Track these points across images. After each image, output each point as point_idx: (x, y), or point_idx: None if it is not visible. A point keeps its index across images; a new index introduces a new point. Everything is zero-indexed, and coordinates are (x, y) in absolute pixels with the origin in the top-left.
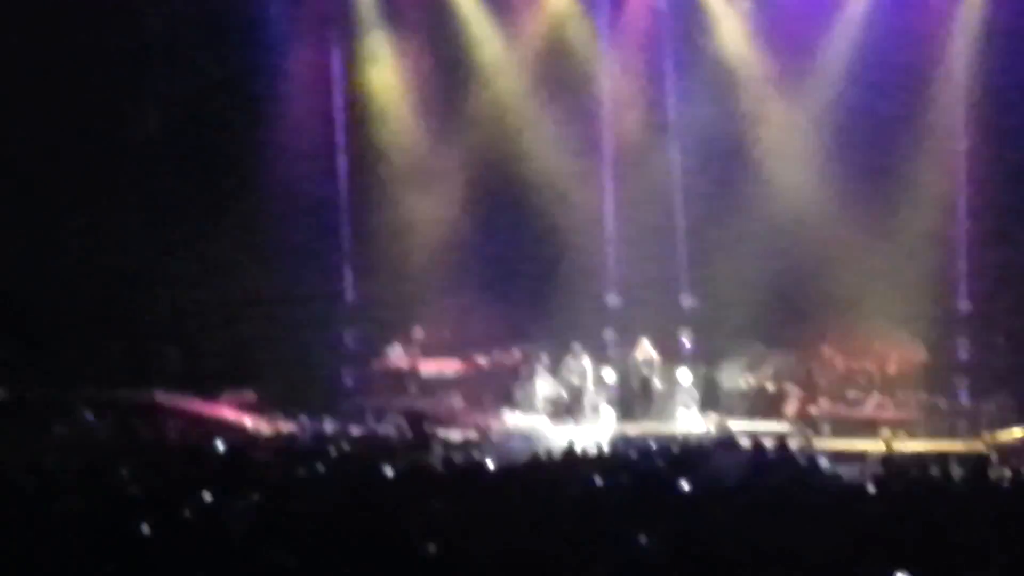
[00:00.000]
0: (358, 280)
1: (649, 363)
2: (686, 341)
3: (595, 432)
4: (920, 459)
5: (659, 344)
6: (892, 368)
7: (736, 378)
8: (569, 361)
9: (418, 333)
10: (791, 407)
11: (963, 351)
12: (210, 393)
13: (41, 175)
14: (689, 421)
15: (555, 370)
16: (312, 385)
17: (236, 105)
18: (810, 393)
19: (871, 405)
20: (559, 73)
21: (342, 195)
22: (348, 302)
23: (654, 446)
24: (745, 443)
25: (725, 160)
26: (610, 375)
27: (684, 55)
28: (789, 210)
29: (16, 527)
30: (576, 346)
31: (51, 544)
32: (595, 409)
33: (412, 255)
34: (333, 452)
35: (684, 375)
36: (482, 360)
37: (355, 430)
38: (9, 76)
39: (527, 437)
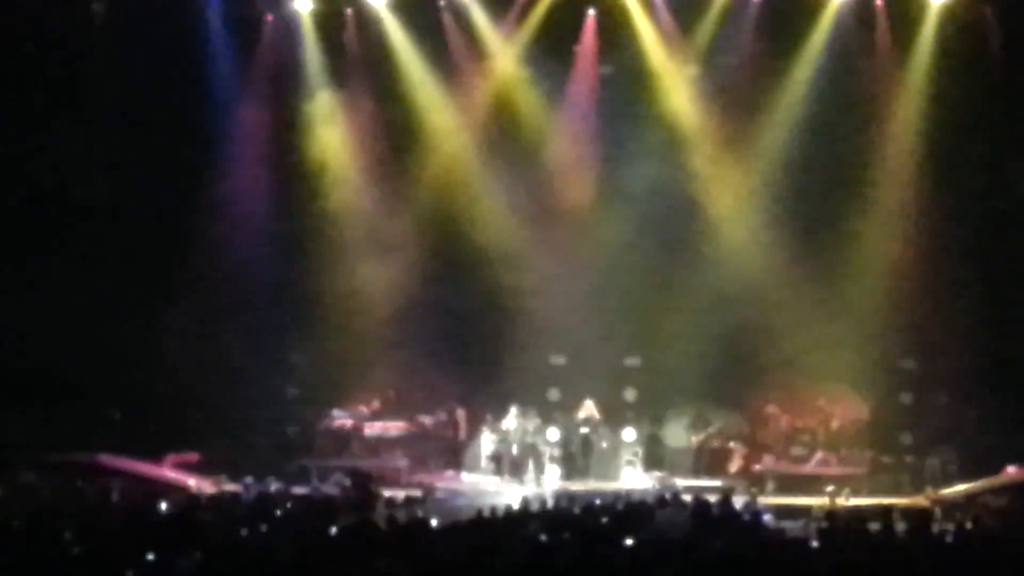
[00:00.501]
0: (303, 341)
1: (591, 422)
2: (630, 400)
3: (539, 490)
4: (864, 514)
5: (604, 403)
6: (836, 425)
7: (680, 436)
8: (514, 420)
9: (363, 394)
10: (735, 464)
11: (907, 408)
12: (153, 454)
13: None
14: (633, 478)
15: (499, 429)
16: (256, 446)
17: (184, 164)
18: (754, 450)
19: (815, 461)
20: (507, 137)
21: (288, 255)
22: (292, 363)
23: (598, 503)
24: (689, 500)
25: (672, 221)
26: (554, 434)
27: (631, 119)
28: (735, 270)
29: None
30: (521, 406)
31: None
32: (539, 467)
33: (358, 315)
34: (277, 512)
35: (628, 433)
36: (426, 420)
37: (299, 490)
38: None
39: (471, 495)
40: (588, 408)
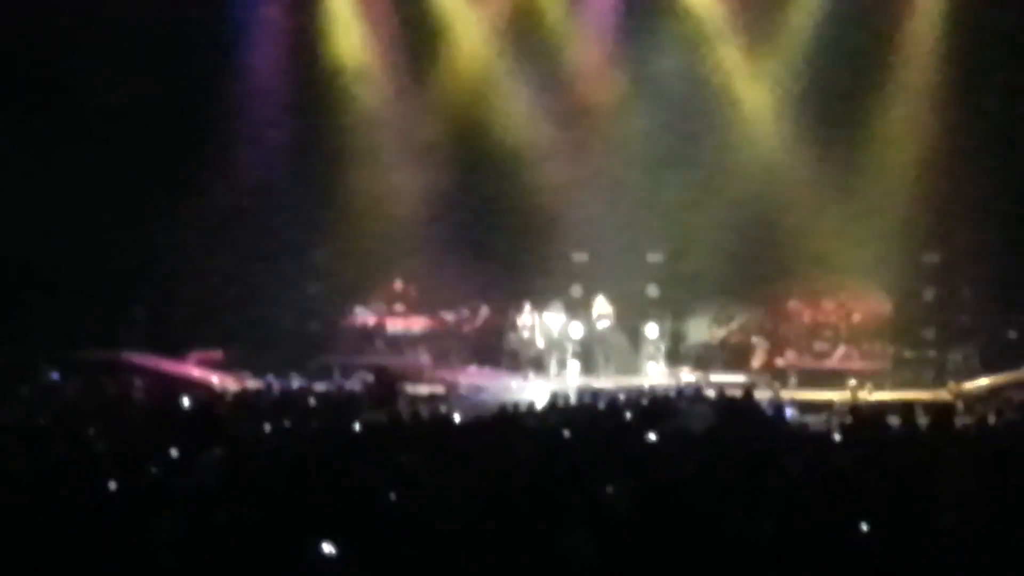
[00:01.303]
0: (326, 237)
1: (605, 317)
2: (653, 296)
3: (562, 385)
4: (886, 408)
5: (625, 299)
6: (858, 319)
7: (703, 331)
8: (536, 317)
9: (385, 290)
10: (758, 359)
11: (929, 302)
12: (177, 352)
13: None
14: (656, 374)
15: (522, 325)
16: (279, 343)
17: (205, 64)
18: (777, 345)
19: (837, 356)
20: (527, 34)
21: (311, 153)
22: (315, 259)
23: (621, 398)
24: (712, 395)
25: (693, 116)
26: (577, 330)
27: (655, 13)
28: (756, 164)
29: None
30: (543, 302)
31: (18, 501)
32: (562, 363)
33: (380, 213)
34: (299, 408)
35: (651, 329)
36: (449, 316)
37: (321, 386)
38: None
39: (494, 391)
40: (601, 304)
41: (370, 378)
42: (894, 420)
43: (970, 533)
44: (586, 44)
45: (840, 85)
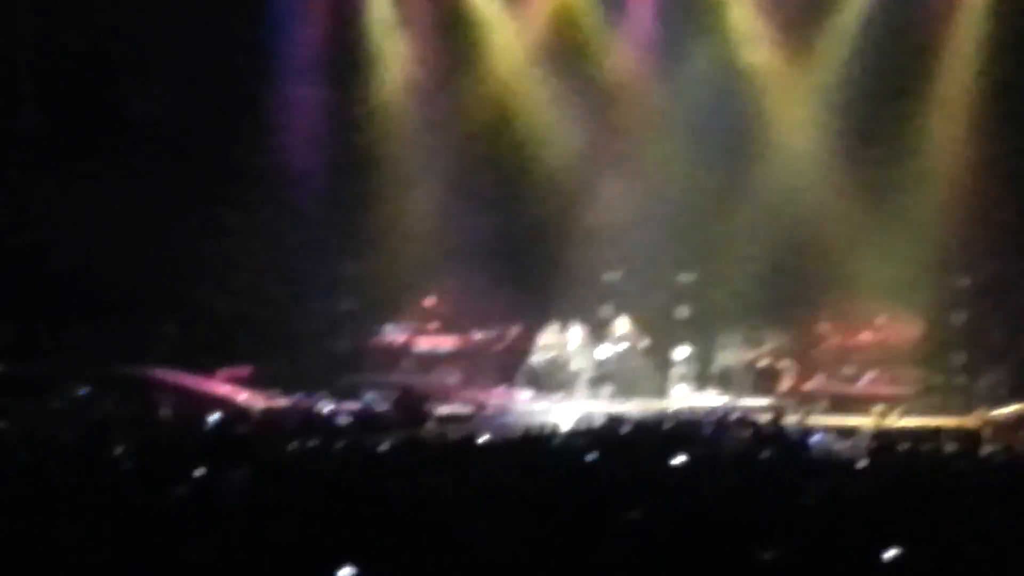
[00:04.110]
0: (355, 255)
1: (629, 338)
2: (682, 317)
3: (589, 408)
4: (913, 435)
5: (655, 320)
6: (888, 344)
7: (732, 354)
8: (565, 337)
9: (415, 309)
10: (786, 383)
11: (959, 327)
12: (206, 368)
13: (35, 155)
14: (684, 397)
15: (551, 346)
16: (308, 360)
17: (240, 74)
18: (805, 369)
19: (866, 381)
20: (564, 52)
21: (340, 168)
22: (345, 277)
23: (648, 422)
24: (739, 419)
25: (725, 135)
26: (606, 351)
27: (690, 27)
28: (788, 185)
29: (9, 499)
30: (573, 322)
31: (46, 517)
32: (590, 385)
33: (410, 230)
34: (326, 427)
35: (680, 351)
36: (478, 336)
37: (349, 405)
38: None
39: (520, 413)
40: (624, 325)
41: (396, 398)
42: (921, 446)
43: (996, 563)
44: (624, 61)
45: (875, 108)
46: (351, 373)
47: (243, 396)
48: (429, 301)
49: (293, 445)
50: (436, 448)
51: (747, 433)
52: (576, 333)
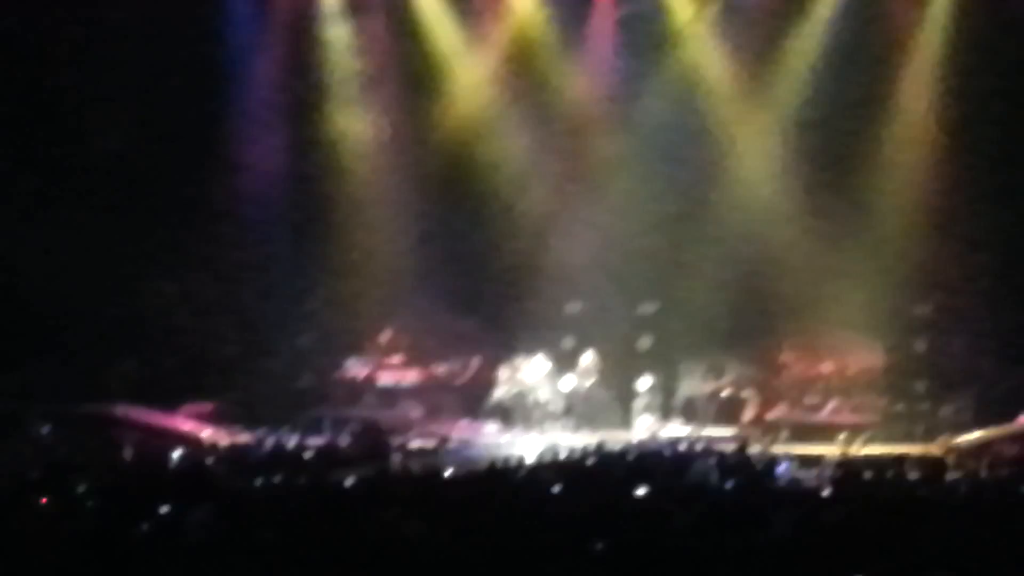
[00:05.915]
0: (317, 290)
1: (593, 371)
2: (644, 348)
3: (552, 440)
4: (877, 463)
5: (617, 351)
6: (850, 372)
7: (695, 385)
8: (527, 369)
9: (376, 343)
10: (749, 413)
11: (921, 355)
12: (169, 405)
13: None
14: (647, 428)
15: (513, 379)
16: (270, 396)
17: (200, 109)
18: (768, 399)
19: (829, 410)
20: (524, 83)
21: (300, 203)
22: (306, 312)
23: (613, 453)
24: (703, 449)
25: (686, 165)
26: (570, 383)
27: (648, 60)
28: (748, 215)
29: None
30: (536, 354)
31: (10, 556)
32: (552, 417)
33: (371, 263)
34: (290, 462)
35: (643, 382)
36: (440, 369)
37: (313, 441)
38: None
39: (486, 446)
40: (588, 357)
41: (359, 432)
42: (885, 475)
43: None
44: (584, 91)
45: (835, 136)
46: (314, 408)
47: (206, 432)
48: (385, 335)
49: (257, 481)
50: (401, 482)
51: (712, 463)
52: (539, 365)
